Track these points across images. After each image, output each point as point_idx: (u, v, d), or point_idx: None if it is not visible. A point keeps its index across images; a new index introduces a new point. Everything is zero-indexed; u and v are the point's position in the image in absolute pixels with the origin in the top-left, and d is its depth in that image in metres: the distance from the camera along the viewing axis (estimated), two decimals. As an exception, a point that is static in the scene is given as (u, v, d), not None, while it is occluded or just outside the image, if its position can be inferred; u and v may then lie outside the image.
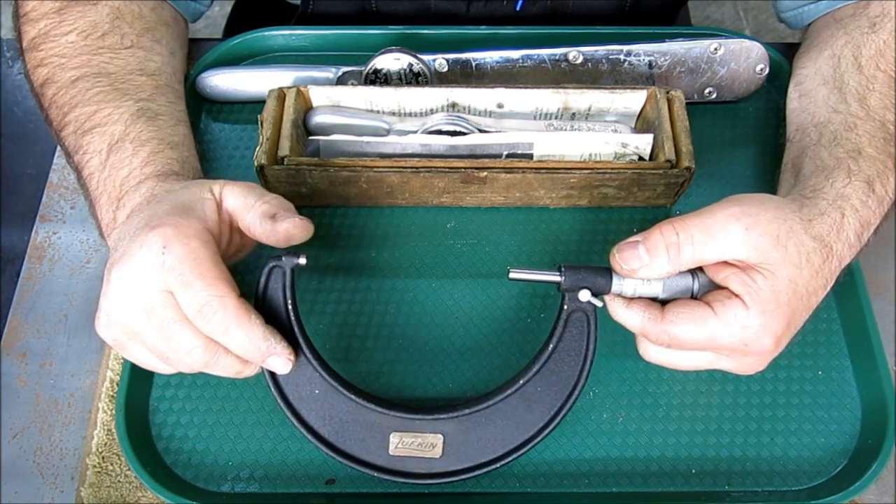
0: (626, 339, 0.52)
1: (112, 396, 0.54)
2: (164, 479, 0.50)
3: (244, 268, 0.55)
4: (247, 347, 0.44)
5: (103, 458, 0.52)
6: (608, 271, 0.47)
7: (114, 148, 0.52)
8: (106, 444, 0.53)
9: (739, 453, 0.52)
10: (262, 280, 0.47)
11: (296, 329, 0.47)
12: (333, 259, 0.59)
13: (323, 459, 0.52)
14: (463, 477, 0.48)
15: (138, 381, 0.53)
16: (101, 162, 0.52)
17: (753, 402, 0.54)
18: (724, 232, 0.44)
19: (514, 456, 0.48)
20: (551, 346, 0.48)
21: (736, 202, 0.45)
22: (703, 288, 0.47)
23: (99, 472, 0.52)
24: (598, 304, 0.47)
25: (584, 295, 0.46)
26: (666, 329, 0.45)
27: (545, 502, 0.51)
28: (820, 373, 0.55)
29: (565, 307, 0.47)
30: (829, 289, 0.47)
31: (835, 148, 0.52)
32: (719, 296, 0.45)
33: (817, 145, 0.53)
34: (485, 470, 0.48)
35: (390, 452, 0.48)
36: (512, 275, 0.48)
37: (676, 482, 0.51)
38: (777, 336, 0.45)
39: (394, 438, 0.48)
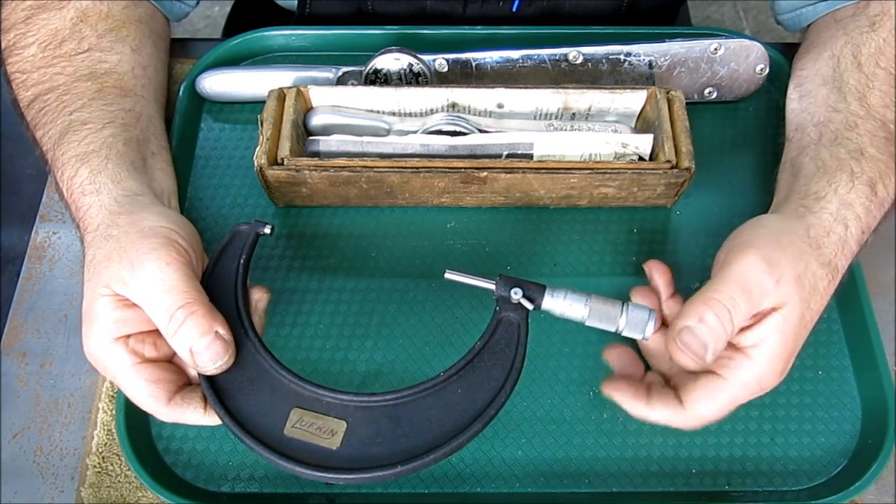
0: (625, 341, 0.51)
1: (112, 396, 0.54)
2: (164, 479, 0.50)
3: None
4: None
5: (103, 458, 0.52)
6: (542, 287, 0.46)
7: (53, 172, 0.52)
8: (106, 444, 0.53)
9: (739, 453, 0.52)
10: (225, 241, 0.49)
11: (238, 290, 0.48)
12: (333, 259, 0.59)
13: (323, 459, 0.52)
14: (352, 477, 0.42)
15: (138, 381, 0.53)
16: (56, 187, 0.52)
17: (753, 402, 0.53)
18: (761, 292, 0.45)
19: (413, 465, 0.42)
20: (477, 347, 0.45)
21: (755, 250, 0.45)
22: (631, 321, 0.46)
23: (99, 472, 0.52)
24: (529, 306, 0.46)
25: (516, 293, 0.46)
26: (692, 415, 0.46)
27: (545, 502, 0.51)
28: (820, 373, 0.55)
29: (497, 310, 0.46)
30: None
31: (836, 148, 0.52)
32: (724, 359, 0.46)
33: (817, 144, 0.53)
34: (377, 474, 0.42)
35: (285, 431, 0.44)
36: (447, 275, 0.47)
37: (676, 482, 0.51)
38: (784, 368, 0.46)
39: (293, 415, 0.44)
